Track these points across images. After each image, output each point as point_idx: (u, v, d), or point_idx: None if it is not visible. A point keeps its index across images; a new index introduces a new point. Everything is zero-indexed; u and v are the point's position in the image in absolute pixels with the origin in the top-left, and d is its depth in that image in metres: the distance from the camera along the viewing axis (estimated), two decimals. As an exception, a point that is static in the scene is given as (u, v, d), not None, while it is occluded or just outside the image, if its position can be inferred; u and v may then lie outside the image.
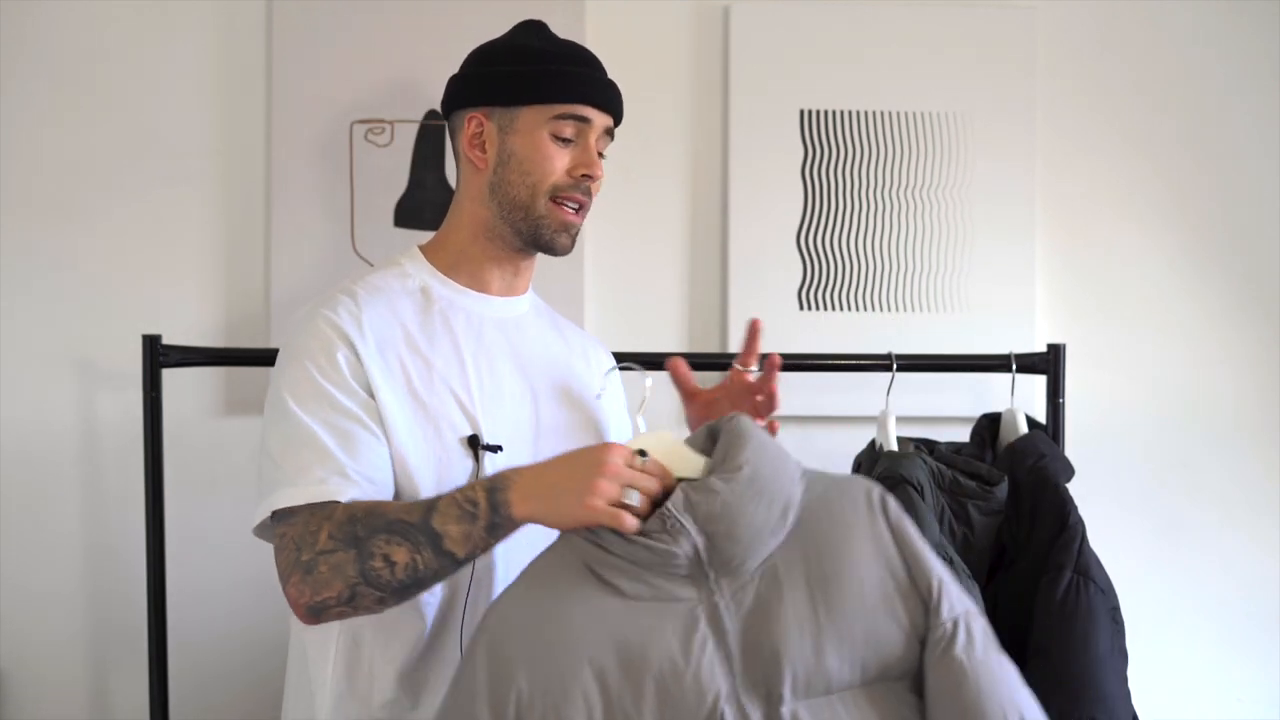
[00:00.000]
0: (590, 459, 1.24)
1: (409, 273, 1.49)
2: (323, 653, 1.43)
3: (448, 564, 1.27)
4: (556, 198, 1.46)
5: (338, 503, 1.30)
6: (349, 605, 1.28)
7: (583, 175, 1.46)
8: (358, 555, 1.26)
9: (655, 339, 2.09)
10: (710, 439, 1.31)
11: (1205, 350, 2.17)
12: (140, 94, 2.04)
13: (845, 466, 1.95)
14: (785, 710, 1.20)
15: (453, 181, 2.04)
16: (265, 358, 1.48)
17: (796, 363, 1.97)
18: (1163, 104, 2.16)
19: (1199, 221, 2.16)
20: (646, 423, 1.38)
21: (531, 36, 1.52)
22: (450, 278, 1.49)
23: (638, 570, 1.23)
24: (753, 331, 1.53)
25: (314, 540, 1.28)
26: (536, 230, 1.46)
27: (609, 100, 1.50)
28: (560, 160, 1.46)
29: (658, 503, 1.24)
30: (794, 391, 2.07)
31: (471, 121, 1.49)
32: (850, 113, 2.09)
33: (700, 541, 1.22)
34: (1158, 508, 2.16)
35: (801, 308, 2.09)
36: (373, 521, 1.27)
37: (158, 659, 1.85)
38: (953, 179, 2.10)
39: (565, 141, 1.46)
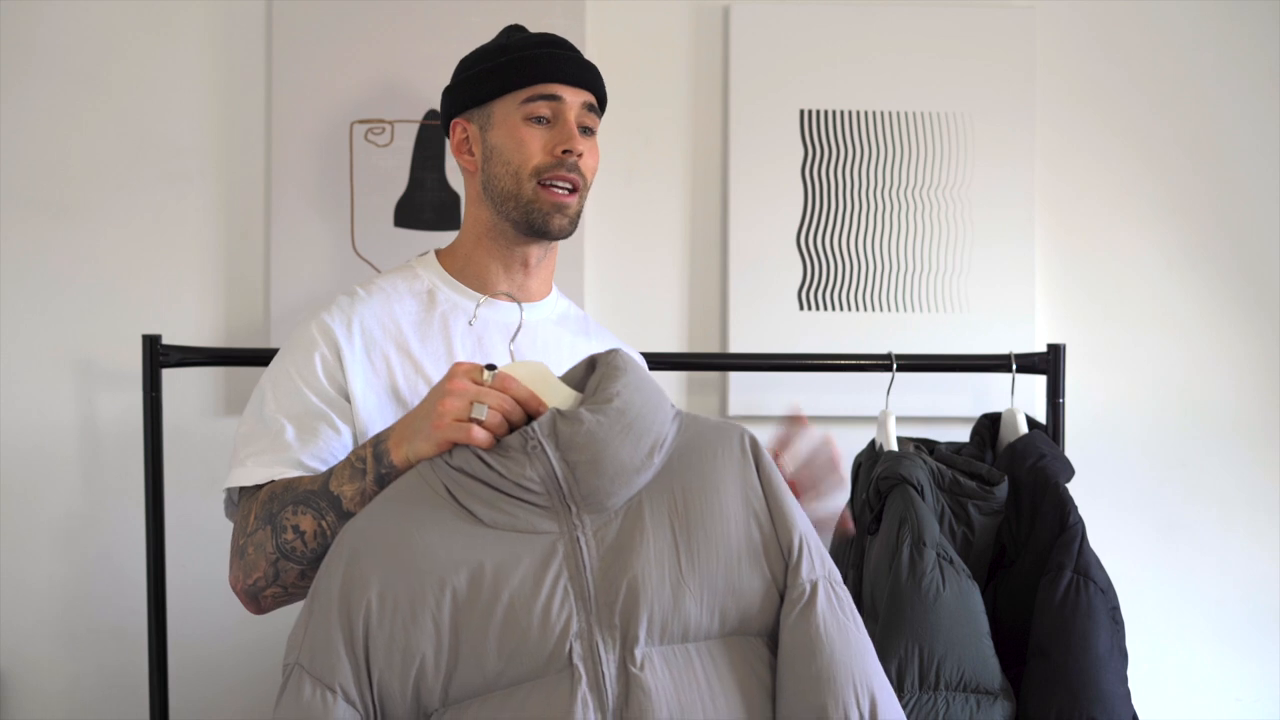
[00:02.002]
0: (439, 386, 1.25)
1: (419, 275, 1.52)
2: None
3: None
4: (543, 180, 1.45)
5: (269, 484, 1.34)
6: (276, 584, 1.32)
7: (564, 151, 1.45)
8: (273, 530, 1.30)
9: (655, 339, 2.09)
10: (589, 371, 1.29)
11: (1205, 350, 2.17)
12: (140, 94, 2.04)
13: (845, 466, 1.94)
14: (639, 652, 1.17)
15: (452, 182, 2.04)
16: (265, 358, 1.49)
17: (796, 363, 1.98)
18: (1162, 104, 2.16)
19: (1198, 221, 2.16)
20: (518, 353, 1.39)
21: (505, 36, 1.54)
22: (459, 280, 1.51)
23: (496, 497, 1.20)
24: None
25: (245, 524, 1.34)
26: (529, 215, 1.46)
27: (580, 75, 1.49)
28: (537, 141, 1.46)
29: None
30: (794, 391, 2.08)
31: (457, 129, 1.52)
32: (850, 113, 2.09)
33: (560, 470, 1.19)
34: (1158, 508, 2.16)
35: (801, 308, 2.09)
36: (284, 496, 1.31)
37: (158, 659, 1.85)
38: (952, 179, 2.10)
39: (542, 122, 1.47)
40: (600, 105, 1.54)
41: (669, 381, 2.10)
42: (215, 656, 2.03)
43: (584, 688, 1.16)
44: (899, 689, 1.59)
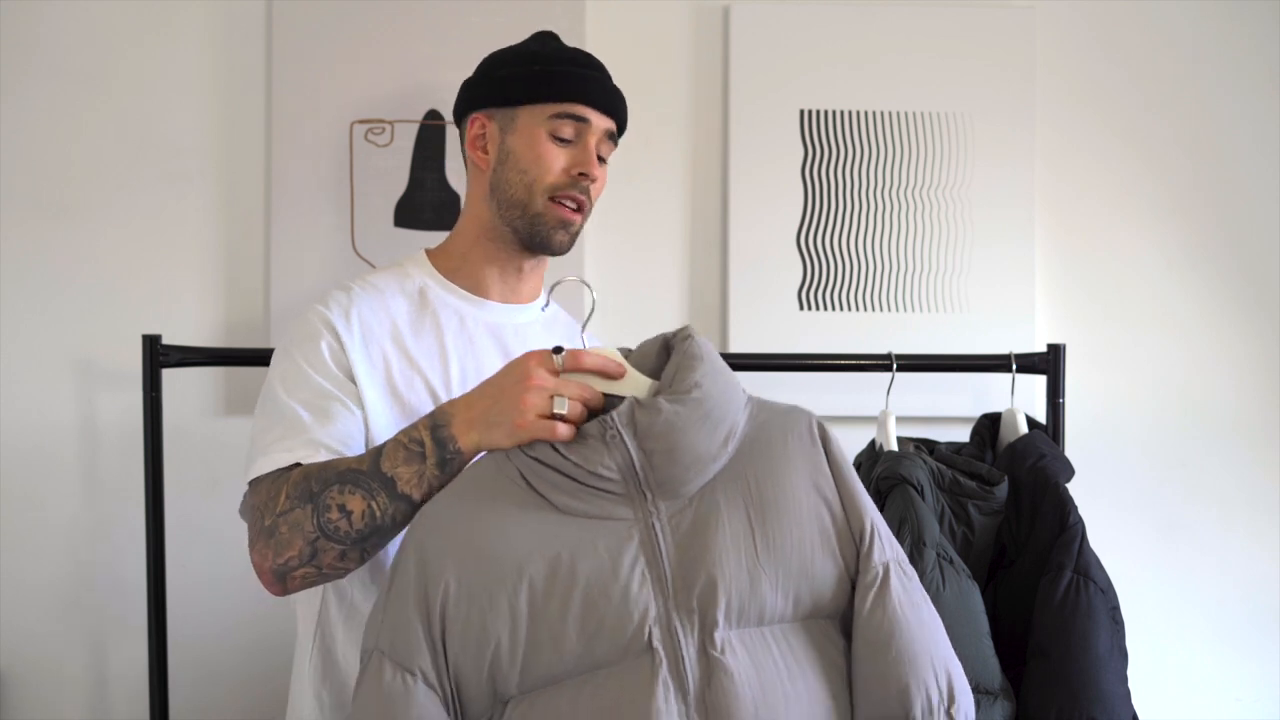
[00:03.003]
0: (513, 375, 1.25)
1: (410, 274, 1.52)
2: (304, 644, 1.47)
3: (404, 506, 1.28)
4: (554, 196, 1.47)
5: (297, 465, 1.33)
6: (311, 564, 1.29)
7: (579, 174, 1.47)
8: (314, 509, 1.27)
9: (655, 339, 2.09)
10: (664, 352, 1.30)
11: (1205, 350, 2.17)
12: (140, 94, 2.04)
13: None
14: (718, 636, 1.19)
15: (452, 182, 2.04)
16: (265, 358, 1.49)
17: (796, 363, 1.97)
18: (1162, 104, 2.16)
19: (1198, 221, 2.16)
20: (590, 340, 1.38)
21: (539, 43, 1.55)
22: (451, 281, 1.52)
23: (573, 485, 1.21)
24: None
25: (274, 504, 1.31)
26: (533, 228, 1.47)
27: (609, 103, 1.51)
28: (557, 159, 1.47)
29: (601, 411, 1.24)
30: (794, 391, 2.07)
31: (475, 123, 1.52)
32: (850, 113, 2.09)
33: (638, 458, 1.21)
34: (1158, 508, 2.16)
35: (801, 308, 2.09)
36: (325, 475, 1.29)
37: (158, 659, 1.85)
38: (952, 179, 2.10)
39: (564, 142, 1.48)
40: (620, 133, 1.55)
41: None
42: (215, 656, 2.03)
43: (664, 671, 1.17)
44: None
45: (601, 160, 1.52)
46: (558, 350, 1.25)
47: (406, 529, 1.26)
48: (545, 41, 1.55)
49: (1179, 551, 2.16)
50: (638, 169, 2.10)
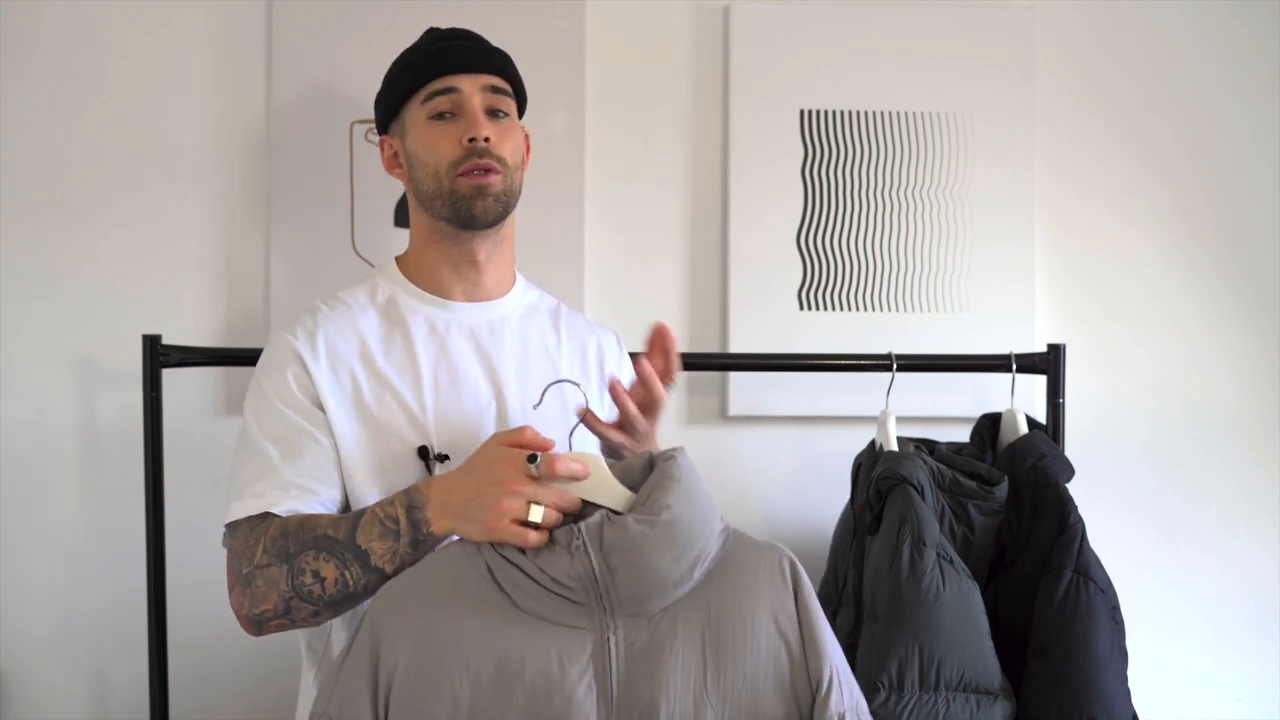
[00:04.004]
0: (493, 476, 1.26)
1: (379, 285, 1.52)
2: (309, 655, 1.48)
3: (376, 578, 1.29)
4: (460, 172, 1.45)
5: (274, 516, 1.34)
6: (285, 618, 1.32)
7: (469, 140, 1.44)
8: (289, 570, 1.30)
9: (655, 339, 2.09)
10: (648, 469, 1.29)
11: (1205, 350, 2.17)
12: (140, 94, 2.04)
13: (845, 466, 1.95)
14: None
15: (453, 181, 2.04)
16: (265, 358, 1.49)
17: (796, 363, 1.98)
18: (1162, 104, 2.16)
19: (1198, 221, 2.16)
20: (576, 445, 1.38)
21: (414, 42, 1.55)
22: (418, 286, 1.52)
23: (534, 587, 1.23)
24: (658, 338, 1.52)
25: (251, 554, 1.33)
26: (455, 207, 1.46)
27: (472, 61, 1.49)
28: (446, 137, 1.46)
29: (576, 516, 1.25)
30: (794, 391, 2.08)
31: (385, 146, 1.55)
32: (850, 113, 2.09)
33: (600, 572, 1.21)
34: (1158, 508, 2.16)
35: (801, 308, 2.09)
36: (302, 536, 1.31)
37: (158, 659, 1.85)
38: (952, 179, 2.10)
39: (447, 117, 1.47)
40: (514, 87, 1.52)
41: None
42: (215, 657, 2.03)
43: None
44: (899, 689, 1.59)
45: (501, 114, 1.49)
46: (533, 458, 1.25)
47: (369, 601, 1.28)
48: (421, 37, 1.55)
49: (1179, 551, 2.16)
50: (638, 169, 2.10)
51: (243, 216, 2.06)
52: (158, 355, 1.84)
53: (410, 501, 1.30)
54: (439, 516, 1.28)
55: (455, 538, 1.29)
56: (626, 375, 1.64)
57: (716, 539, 1.27)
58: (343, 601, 1.31)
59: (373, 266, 2.01)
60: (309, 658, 1.49)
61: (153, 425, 1.84)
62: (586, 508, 1.27)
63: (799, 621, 1.25)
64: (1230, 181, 2.16)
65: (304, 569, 1.29)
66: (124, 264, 2.04)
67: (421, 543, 1.29)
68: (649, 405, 1.46)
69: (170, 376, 1.92)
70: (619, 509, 1.25)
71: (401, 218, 2.04)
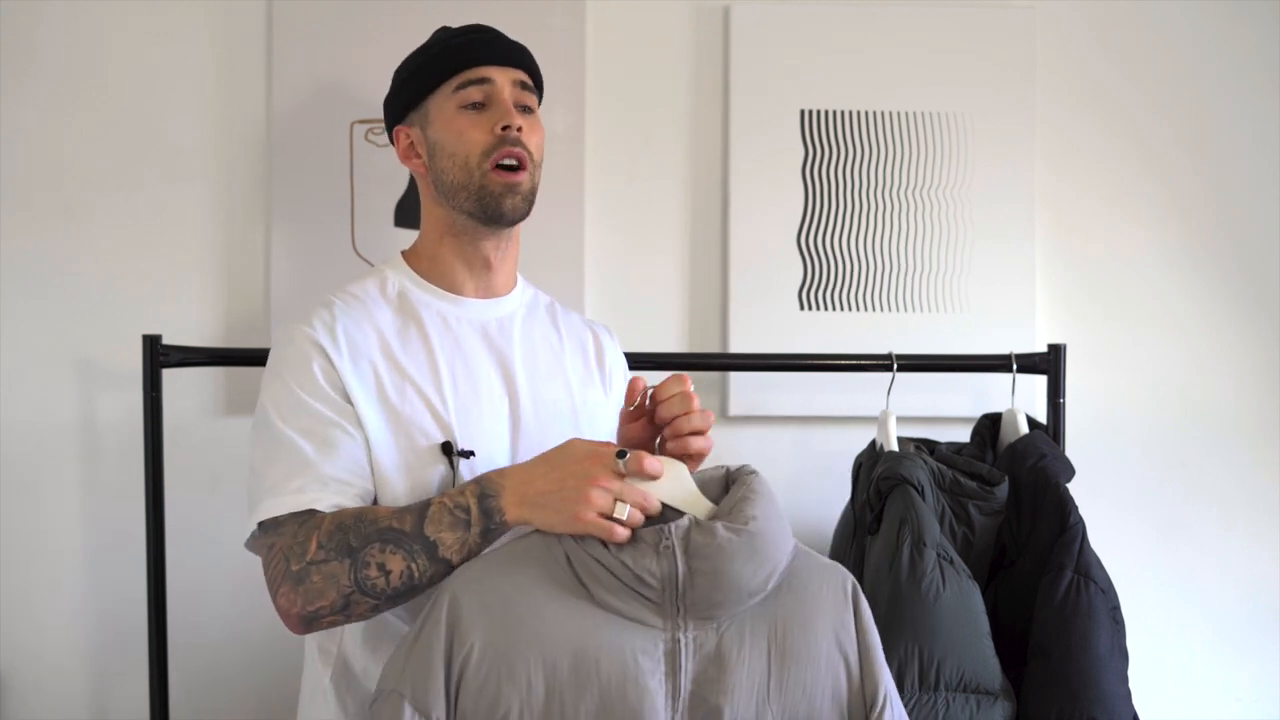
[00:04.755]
0: (580, 470, 1.26)
1: (389, 279, 1.50)
2: (319, 656, 1.46)
3: (443, 569, 1.28)
4: (491, 162, 1.44)
5: (320, 512, 1.31)
6: (342, 613, 1.29)
7: (504, 128, 1.44)
8: (351, 564, 1.27)
9: (655, 339, 2.09)
10: (724, 484, 1.33)
11: (1205, 350, 2.17)
12: (140, 94, 2.04)
13: (845, 466, 1.95)
14: None
15: (453, 181, 2.04)
16: (265, 358, 1.48)
17: (797, 363, 1.98)
18: (1162, 104, 2.16)
19: (1199, 221, 2.16)
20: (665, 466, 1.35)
21: (433, 38, 1.53)
22: (428, 281, 1.50)
23: (614, 582, 1.24)
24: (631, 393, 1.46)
25: (303, 550, 1.29)
26: (482, 201, 1.44)
27: (506, 54, 1.48)
28: (477, 126, 1.45)
29: (652, 519, 1.27)
30: (794, 391, 2.08)
31: (400, 136, 1.52)
32: (850, 113, 2.09)
33: (682, 575, 1.23)
34: (1158, 508, 2.16)
35: (802, 308, 2.09)
36: (364, 529, 1.28)
37: (158, 659, 1.85)
38: (953, 179, 2.10)
39: (477, 108, 1.46)
40: (537, 84, 1.52)
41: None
42: (215, 656, 2.03)
43: None
44: (899, 689, 1.59)
45: (527, 110, 1.49)
46: (622, 454, 1.26)
47: (445, 582, 1.27)
48: (436, 34, 1.54)
49: (1179, 551, 2.16)
50: (638, 169, 2.10)
51: (243, 216, 2.06)
52: (158, 355, 1.84)
53: (482, 490, 1.28)
54: (516, 505, 1.27)
55: (527, 528, 1.28)
56: (621, 372, 1.64)
57: (788, 555, 1.29)
58: (405, 594, 1.29)
59: (373, 266, 2.01)
60: (320, 659, 1.47)
61: (153, 425, 1.84)
62: (666, 511, 1.29)
63: (858, 641, 1.29)
64: (1230, 181, 2.16)
65: (368, 562, 1.26)
66: (124, 264, 2.04)
67: (492, 532, 1.28)
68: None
69: (170, 376, 1.92)
70: (699, 516, 1.28)
71: (401, 218, 2.04)
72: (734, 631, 1.26)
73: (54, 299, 2.03)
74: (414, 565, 1.27)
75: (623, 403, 1.63)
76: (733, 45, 2.08)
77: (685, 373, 1.44)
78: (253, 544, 1.37)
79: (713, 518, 1.27)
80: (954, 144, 2.10)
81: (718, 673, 1.24)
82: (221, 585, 2.02)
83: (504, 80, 1.46)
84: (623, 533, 1.23)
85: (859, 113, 2.09)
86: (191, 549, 2.01)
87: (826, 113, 2.09)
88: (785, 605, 1.28)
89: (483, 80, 1.45)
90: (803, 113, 2.09)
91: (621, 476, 1.26)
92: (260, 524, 1.34)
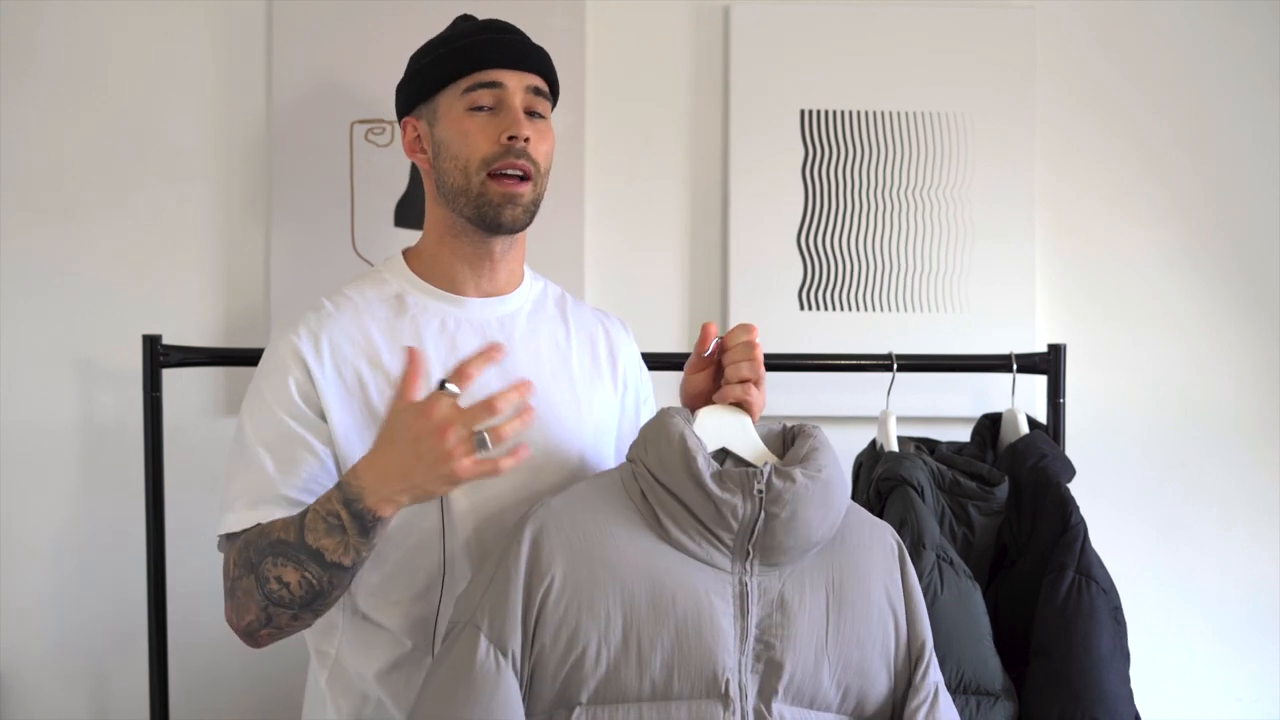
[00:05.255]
0: (420, 429, 1.20)
1: (387, 280, 1.48)
2: (317, 656, 1.47)
3: (339, 573, 1.27)
4: (492, 171, 1.41)
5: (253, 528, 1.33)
6: (270, 625, 1.31)
7: (509, 138, 1.40)
8: (256, 580, 1.29)
9: (655, 339, 2.08)
10: (781, 438, 1.37)
11: (1205, 350, 2.17)
12: (140, 94, 2.04)
13: (845, 467, 1.94)
14: (776, 706, 1.27)
15: (453, 181, 2.04)
16: (265, 358, 1.48)
17: (796, 363, 1.97)
18: (1162, 104, 2.16)
19: (1199, 221, 2.16)
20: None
21: (451, 28, 1.49)
22: (427, 281, 1.47)
23: (691, 521, 1.27)
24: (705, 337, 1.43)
25: (230, 568, 1.33)
26: (480, 210, 1.41)
27: (520, 58, 1.44)
28: (482, 131, 1.41)
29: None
30: (794, 391, 2.07)
31: (408, 128, 1.49)
32: (850, 113, 2.09)
33: (760, 518, 1.26)
34: (1158, 508, 2.16)
35: (802, 308, 2.09)
36: (260, 544, 1.29)
37: (158, 659, 1.85)
38: (953, 179, 2.10)
39: (485, 111, 1.42)
40: (551, 89, 1.49)
41: (670, 381, 2.09)
42: (215, 657, 2.03)
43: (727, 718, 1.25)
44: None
45: (539, 116, 1.45)
46: (442, 384, 1.22)
47: (525, 516, 1.27)
48: (457, 24, 1.50)
49: (1179, 551, 2.16)
50: (638, 169, 2.10)
51: (243, 216, 2.06)
52: (158, 355, 1.84)
53: (344, 496, 1.25)
54: (383, 501, 1.23)
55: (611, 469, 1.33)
56: (636, 366, 1.62)
57: (846, 507, 1.34)
58: (315, 599, 1.28)
59: (372, 266, 2.01)
60: (319, 660, 1.47)
61: (153, 425, 1.84)
62: (727, 458, 1.33)
63: (905, 595, 1.34)
64: (1230, 181, 2.16)
65: (267, 576, 1.28)
66: (124, 264, 2.03)
67: (369, 530, 1.25)
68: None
69: (170, 376, 1.92)
70: (754, 462, 1.32)
71: (401, 218, 2.03)
72: (795, 579, 1.29)
73: (54, 299, 2.03)
74: (307, 574, 1.26)
75: (645, 390, 1.63)
76: (733, 45, 2.08)
77: (753, 323, 1.42)
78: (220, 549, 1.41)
79: (787, 465, 1.29)
80: (954, 144, 2.10)
81: (781, 619, 1.28)
82: (221, 585, 2.02)
83: (516, 85, 1.43)
84: (508, 461, 1.21)
85: (859, 113, 2.09)
86: (191, 549, 2.00)
87: (826, 113, 2.09)
88: (840, 556, 1.32)
89: (493, 84, 1.42)
90: (803, 113, 2.09)
91: (457, 409, 1.21)
92: (221, 536, 1.37)
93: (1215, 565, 2.16)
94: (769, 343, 2.04)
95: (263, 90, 2.05)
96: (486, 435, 1.20)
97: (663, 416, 1.33)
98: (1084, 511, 1.72)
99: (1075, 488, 1.75)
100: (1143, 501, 2.16)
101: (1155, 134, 2.16)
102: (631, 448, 1.36)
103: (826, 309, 2.09)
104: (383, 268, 1.50)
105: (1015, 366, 1.91)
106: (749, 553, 1.27)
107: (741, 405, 1.36)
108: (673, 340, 2.11)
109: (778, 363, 1.98)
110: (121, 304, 2.03)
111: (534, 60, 1.46)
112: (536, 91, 1.45)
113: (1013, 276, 2.11)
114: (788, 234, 2.09)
